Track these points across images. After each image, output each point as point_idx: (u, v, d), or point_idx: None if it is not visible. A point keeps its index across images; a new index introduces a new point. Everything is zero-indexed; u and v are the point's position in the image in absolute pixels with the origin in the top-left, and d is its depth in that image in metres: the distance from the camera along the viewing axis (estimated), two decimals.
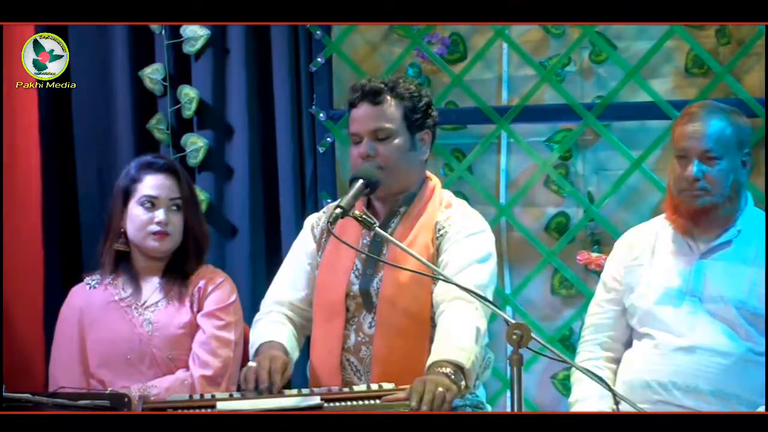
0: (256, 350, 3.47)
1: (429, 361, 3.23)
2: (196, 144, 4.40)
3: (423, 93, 3.58)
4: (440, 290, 3.40)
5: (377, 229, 3.25)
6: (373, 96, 3.51)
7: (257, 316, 3.65)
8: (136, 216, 3.79)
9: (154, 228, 3.77)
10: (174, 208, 3.81)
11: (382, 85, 3.53)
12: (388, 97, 3.52)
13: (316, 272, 3.61)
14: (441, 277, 3.27)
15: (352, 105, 3.55)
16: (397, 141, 3.52)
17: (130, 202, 3.81)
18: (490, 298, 3.42)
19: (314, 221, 3.68)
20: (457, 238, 3.49)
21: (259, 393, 3.23)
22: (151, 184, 3.80)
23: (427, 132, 3.59)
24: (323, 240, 3.61)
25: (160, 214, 3.77)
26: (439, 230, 3.51)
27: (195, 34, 4.38)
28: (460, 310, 3.33)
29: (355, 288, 3.51)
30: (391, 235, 3.48)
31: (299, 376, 4.01)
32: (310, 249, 3.64)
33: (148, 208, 3.79)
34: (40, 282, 4.43)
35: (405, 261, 3.35)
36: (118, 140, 4.47)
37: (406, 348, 3.42)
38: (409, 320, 3.44)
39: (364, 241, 3.53)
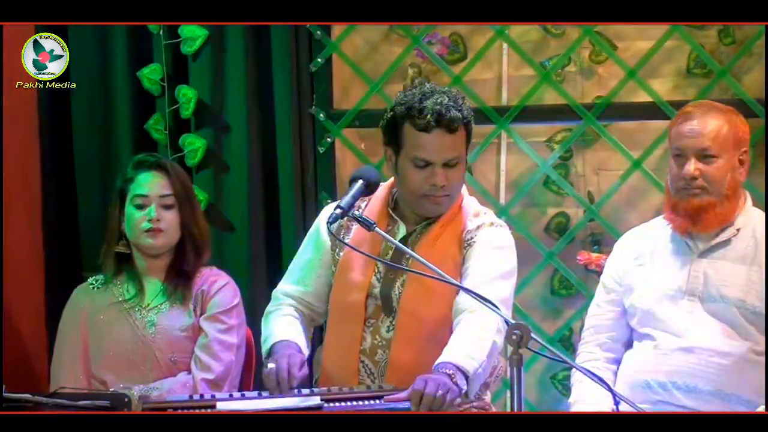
0: (270, 349, 3.44)
1: (437, 361, 3.22)
2: (194, 144, 4.39)
3: (471, 109, 3.50)
4: (462, 299, 3.37)
5: (376, 229, 3.23)
6: (450, 124, 3.40)
7: (268, 308, 3.63)
8: (130, 215, 3.81)
9: (146, 225, 3.78)
10: (166, 204, 3.81)
11: (459, 114, 3.40)
12: (461, 125, 3.43)
13: (333, 268, 3.56)
14: (460, 287, 3.23)
15: (422, 129, 3.40)
16: (462, 166, 3.47)
17: (125, 203, 3.82)
18: (509, 313, 3.41)
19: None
20: (484, 251, 3.46)
21: (280, 392, 3.22)
22: (141, 182, 3.82)
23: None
24: (341, 236, 3.53)
25: (151, 211, 3.78)
26: (467, 240, 3.49)
27: (193, 34, 4.37)
28: (478, 321, 3.31)
29: (376, 290, 3.48)
30: (417, 239, 3.47)
31: None
32: (325, 244, 3.60)
33: (139, 206, 3.80)
34: (42, 281, 4.42)
35: (430, 266, 3.32)
36: (118, 140, 4.46)
37: (423, 355, 3.37)
38: (428, 327, 3.42)
39: (389, 244, 3.47)
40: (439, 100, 3.40)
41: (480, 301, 3.06)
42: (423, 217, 3.52)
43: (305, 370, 3.33)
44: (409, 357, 3.41)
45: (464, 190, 3.58)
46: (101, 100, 4.48)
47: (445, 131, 3.40)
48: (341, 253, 3.55)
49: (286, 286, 3.64)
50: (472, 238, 3.49)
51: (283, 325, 3.53)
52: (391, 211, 3.54)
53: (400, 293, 3.46)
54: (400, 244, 3.29)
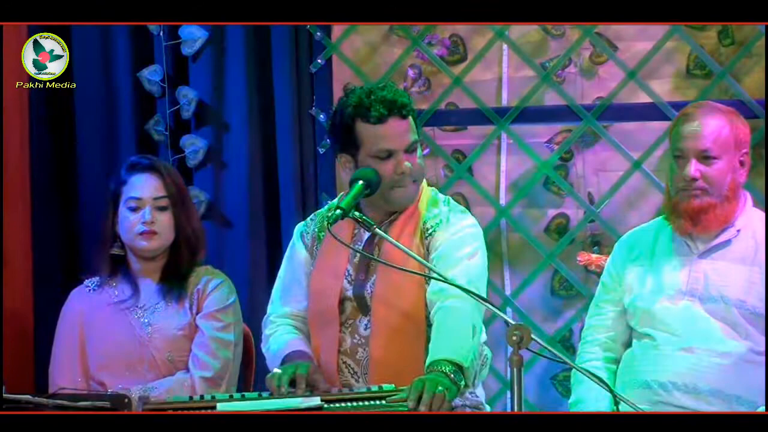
0: (283, 360, 3.44)
1: (428, 360, 3.23)
2: (195, 145, 4.39)
3: None
4: (434, 289, 3.39)
5: (377, 230, 3.25)
6: (402, 109, 3.44)
7: (266, 332, 3.62)
8: (124, 218, 3.81)
9: (141, 228, 3.78)
10: (160, 207, 3.81)
11: (405, 100, 3.46)
12: (410, 110, 3.47)
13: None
14: (437, 277, 3.26)
15: (378, 120, 3.42)
16: (419, 151, 3.51)
17: (119, 205, 3.82)
18: (484, 293, 3.42)
19: (303, 229, 3.65)
20: (446, 237, 3.47)
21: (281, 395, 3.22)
22: (135, 185, 3.81)
23: None
24: (315, 247, 3.59)
25: (145, 214, 3.78)
26: (428, 230, 3.50)
27: (193, 35, 4.37)
28: (455, 308, 3.32)
29: (349, 293, 3.50)
30: (382, 239, 3.48)
31: None
32: (304, 257, 3.62)
33: (133, 209, 3.80)
34: (29, 281, 4.41)
35: (399, 262, 3.35)
36: (119, 141, 4.47)
37: (402, 348, 3.42)
38: (404, 321, 3.44)
39: (357, 246, 3.52)
40: (383, 92, 3.45)
41: (471, 295, 3.08)
42: (386, 215, 3.52)
43: (317, 376, 3.32)
44: (389, 352, 3.42)
45: (424, 183, 3.59)
46: (103, 100, 4.49)
47: (399, 118, 3.44)
48: (314, 262, 3.58)
49: (278, 309, 3.64)
50: (432, 227, 3.50)
51: (289, 339, 3.54)
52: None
53: (372, 291, 3.47)
54: (392, 239, 3.31)
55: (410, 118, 3.47)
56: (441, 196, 3.61)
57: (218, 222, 4.40)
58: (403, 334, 3.43)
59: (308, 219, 3.70)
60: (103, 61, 4.48)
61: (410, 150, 3.47)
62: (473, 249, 3.48)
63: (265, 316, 3.66)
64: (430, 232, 3.50)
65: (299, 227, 3.68)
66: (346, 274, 3.52)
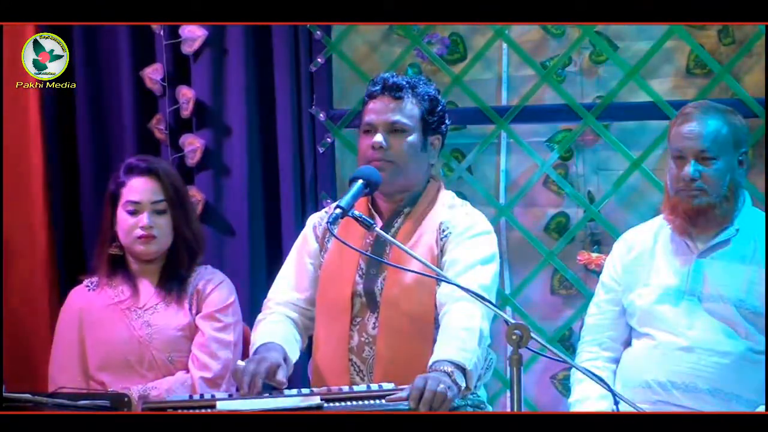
0: (255, 351, 3.45)
1: (431, 360, 3.24)
2: (193, 144, 4.39)
3: (440, 98, 3.62)
4: (444, 291, 3.40)
5: (377, 230, 3.26)
6: (395, 91, 3.52)
7: (259, 316, 3.64)
8: (122, 221, 3.81)
9: (139, 232, 3.78)
10: (158, 210, 3.80)
11: (405, 83, 3.53)
12: (409, 95, 3.53)
13: (319, 272, 3.61)
14: (442, 278, 3.27)
15: (371, 97, 3.55)
16: (410, 138, 3.52)
17: (118, 207, 3.82)
18: (493, 298, 3.43)
19: (317, 221, 3.67)
20: (461, 239, 3.49)
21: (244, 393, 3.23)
22: (133, 188, 3.81)
23: (438, 137, 3.60)
24: (326, 240, 3.60)
25: (143, 219, 3.78)
26: (443, 231, 3.51)
27: (193, 34, 4.37)
28: (463, 311, 3.33)
29: (360, 288, 3.51)
30: (395, 234, 3.49)
31: (300, 376, 4.01)
32: (313, 249, 3.64)
33: (132, 213, 3.79)
34: (46, 281, 4.41)
35: (408, 261, 3.35)
36: (121, 140, 4.46)
37: (409, 349, 3.42)
38: (412, 321, 3.44)
39: (368, 240, 3.53)
40: (393, 75, 3.58)
41: (473, 296, 3.09)
42: (397, 205, 3.54)
43: (280, 374, 3.31)
44: (395, 352, 3.43)
45: (441, 184, 3.63)
46: (104, 99, 4.48)
47: (390, 97, 3.52)
48: (325, 255, 3.59)
49: (278, 295, 3.66)
50: (447, 229, 3.52)
51: (270, 329, 3.55)
52: (370, 207, 3.56)
53: (382, 288, 3.48)
54: (393, 239, 3.33)
55: (407, 102, 3.51)
56: (459, 199, 3.63)
57: (218, 222, 4.39)
58: (411, 334, 3.44)
59: (323, 211, 3.71)
60: (104, 59, 4.48)
61: (395, 130, 3.50)
62: (488, 255, 3.50)
63: (265, 300, 3.66)
64: (445, 234, 3.51)
65: (312, 218, 3.71)
66: (358, 268, 3.52)
